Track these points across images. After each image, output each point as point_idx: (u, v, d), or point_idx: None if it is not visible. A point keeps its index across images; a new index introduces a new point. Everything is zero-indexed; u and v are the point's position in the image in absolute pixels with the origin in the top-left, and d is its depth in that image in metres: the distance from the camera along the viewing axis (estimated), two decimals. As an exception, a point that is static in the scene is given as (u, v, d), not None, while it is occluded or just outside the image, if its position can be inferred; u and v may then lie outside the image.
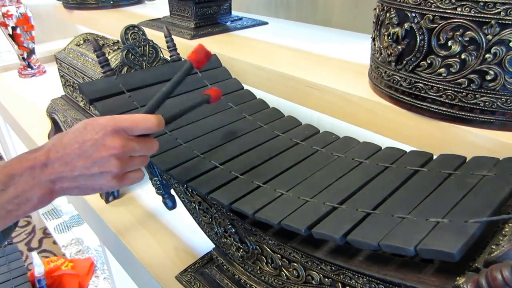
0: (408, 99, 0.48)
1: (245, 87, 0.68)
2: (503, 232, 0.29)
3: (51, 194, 0.38)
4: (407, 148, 0.46)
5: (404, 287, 0.31)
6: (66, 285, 1.40)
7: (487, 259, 0.27)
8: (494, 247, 0.27)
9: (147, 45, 0.64)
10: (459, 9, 0.40)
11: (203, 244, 0.65)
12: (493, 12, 0.38)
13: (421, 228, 0.29)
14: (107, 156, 0.37)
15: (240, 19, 1.02)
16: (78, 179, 0.38)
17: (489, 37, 0.39)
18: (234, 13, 1.04)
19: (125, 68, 0.63)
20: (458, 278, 0.27)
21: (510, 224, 0.29)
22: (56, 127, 0.92)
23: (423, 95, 0.46)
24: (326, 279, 0.38)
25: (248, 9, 1.22)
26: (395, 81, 0.49)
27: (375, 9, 0.54)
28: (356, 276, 0.34)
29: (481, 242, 0.30)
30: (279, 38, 0.88)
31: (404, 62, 0.47)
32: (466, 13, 0.39)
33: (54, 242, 1.69)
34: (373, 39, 0.55)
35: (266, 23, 1.03)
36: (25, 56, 1.37)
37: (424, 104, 0.47)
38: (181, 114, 0.45)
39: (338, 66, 0.70)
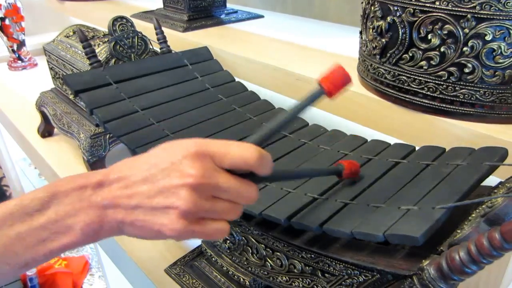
0: (392, 91, 0.49)
1: (237, 80, 0.68)
2: (470, 218, 0.30)
3: (99, 226, 0.28)
4: (394, 140, 0.47)
5: (376, 271, 0.32)
6: (59, 284, 1.36)
7: (450, 242, 0.28)
8: (458, 231, 0.29)
9: (136, 36, 0.64)
10: (437, 2, 0.40)
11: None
12: (469, 6, 0.39)
13: (392, 215, 0.30)
14: (179, 185, 0.27)
15: (235, 12, 1.02)
16: (135, 211, 0.28)
17: (466, 30, 0.40)
18: (231, 6, 1.04)
19: (113, 60, 0.63)
20: (423, 261, 0.28)
21: (476, 211, 0.30)
22: (46, 121, 0.92)
23: (406, 87, 0.47)
24: (307, 267, 0.39)
25: (245, 2, 1.22)
26: (380, 74, 0.50)
27: (362, 2, 0.55)
28: (334, 263, 0.36)
29: (451, 229, 0.31)
30: (274, 32, 0.88)
31: (388, 55, 0.48)
32: (444, 7, 0.40)
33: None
34: (361, 33, 0.56)
35: (261, 16, 1.03)
36: (15, 48, 1.36)
37: (407, 96, 0.47)
38: (291, 175, 0.37)
39: (329, 59, 0.70)
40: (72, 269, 1.41)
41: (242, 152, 0.28)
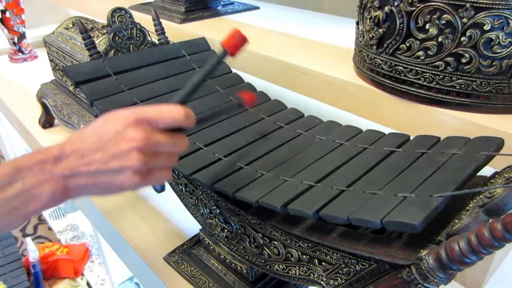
0: (388, 82, 0.49)
1: (234, 71, 0.68)
2: (467, 208, 0.30)
3: (65, 192, 0.34)
4: (390, 131, 0.47)
5: (373, 261, 0.32)
6: (61, 270, 1.41)
7: (449, 232, 0.28)
8: (456, 221, 0.29)
9: (135, 28, 0.64)
10: (435, -8, 0.40)
11: (191, 226, 0.66)
12: (468, -5, 0.39)
13: (389, 202, 0.30)
14: (128, 149, 0.33)
15: (232, 3, 1.02)
16: (95, 175, 0.33)
17: (464, 20, 0.40)
18: (226, -3, 1.03)
19: (112, 51, 0.63)
20: (421, 250, 0.28)
21: (474, 200, 0.30)
22: (47, 112, 0.93)
23: (403, 78, 0.47)
24: (304, 256, 0.39)
25: (240, -6, 1.21)
26: (376, 64, 0.50)
27: (359, -7, 0.55)
28: (331, 252, 0.36)
29: (448, 218, 0.31)
30: (269, 23, 0.88)
31: (385, 45, 0.47)
32: (443, -4, 0.40)
33: (49, 228, 1.71)
34: (357, 23, 0.56)
35: (257, 7, 1.03)
36: (16, 40, 1.36)
37: (404, 87, 0.48)
38: (213, 117, 0.42)
39: (325, 50, 0.70)
40: (73, 256, 1.44)
41: (172, 113, 0.34)
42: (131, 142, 0.33)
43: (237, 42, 0.39)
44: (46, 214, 1.73)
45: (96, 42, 0.71)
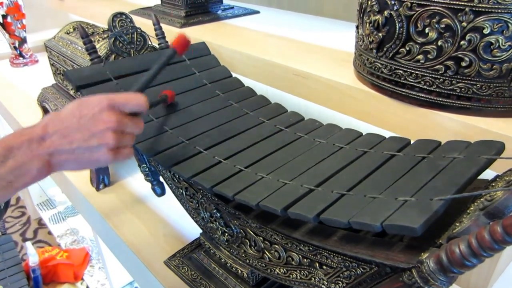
0: (388, 85, 0.49)
1: (234, 75, 0.69)
2: (468, 211, 0.30)
3: (49, 167, 0.39)
4: (390, 134, 0.47)
5: (374, 264, 0.32)
6: (60, 275, 1.41)
7: (450, 235, 0.28)
8: (457, 224, 0.29)
9: (135, 32, 0.65)
10: (435, -4, 0.40)
11: (192, 230, 0.66)
12: (467, -1, 0.39)
13: (389, 206, 0.30)
14: (105, 129, 0.38)
15: (232, 8, 1.02)
16: (75, 152, 0.39)
17: (464, 24, 0.40)
18: (226, 1, 1.04)
19: (113, 56, 0.63)
20: (422, 254, 0.28)
21: (475, 204, 0.30)
22: (47, 116, 0.93)
23: (403, 81, 0.47)
24: (305, 260, 0.39)
25: (240, -3, 1.22)
26: (376, 68, 0.50)
27: (359, -3, 0.55)
28: (332, 256, 0.36)
29: (449, 222, 0.31)
30: (270, 27, 0.89)
31: (385, 49, 0.48)
32: (442, 1, 0.40)
33: (49, 233, 1.71)
34: (357, 27, 0.56)
35: (257, 12, 1.03)
36: (17, 45, 1.37)
37: (404, 90, 0.48)
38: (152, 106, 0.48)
39: (325, 54, 0.71)
40: (73, 261, 1.44)
41: (137, 101, 0.41)
42: (106, 123, 0.39)
43: (183, 44, 0.50)
44: (46, 218, 1.73)
45: (97, 46, 0.71)
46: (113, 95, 0.40)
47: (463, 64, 0.42)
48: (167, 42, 0.68)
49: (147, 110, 0.43)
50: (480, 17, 0.39)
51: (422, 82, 0.45)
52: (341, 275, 0.36)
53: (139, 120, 0.43)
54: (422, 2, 0.42)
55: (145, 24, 0.89)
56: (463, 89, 0.43)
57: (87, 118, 0.38)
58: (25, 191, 1.74)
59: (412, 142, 0.44)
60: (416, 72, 0.45)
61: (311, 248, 0.38)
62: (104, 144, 0.39)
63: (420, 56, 0.44)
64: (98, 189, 0.78)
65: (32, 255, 1.32)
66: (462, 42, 0.41)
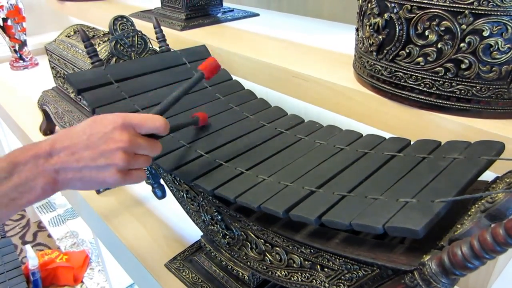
0: (388, 88, 0.50)
1: (234, 77, 0.69)
2: (469, 213, 0.30)
3: (54, 185, 0.37)
4: (389, 136, 0.47)
5: (376, 266, 0.32)
6: (60, 278, 1.41)
7: (451, 237, 0.28)
8: (459, 226, 0.29)
9: (136, 35, 0.65)
10: (435, -1, 0.41)
11: (192, 232, 0.66)
12: (467, 2, 0.39)
13: (390, 208, 0.30)
14: (115, 148, 0.36)
15: (232, 10, 1.03)
16: (83, 170, 0.37)
17: (464, 26, 0.40)
18: (226, 4, 1.04)
19: (114, 59, 0.64)
20: (424, 256, 0.28)
21: (476, 205, 0.30)
22: (48, 119, 0.93)
23: (403, 84, 0.47)
24: (306, 262, 0.39)
25: (240, 1, 1.22)
26: (376, 70, 0.51)
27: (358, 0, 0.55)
28: (333, 258, 0.36)
29: (451, 223, 0.31)
30: (269, 30, 0.89)
31: (385, 51, 0.48)
32: (442, 3, 0.40)
33: (49, 236, 1.70)
34: (357, 30, 0.56)
35: (257, 14, 1.03)
36: (17, 48, 1.37)
37: (404, 92, 0.48)
38: (178, 128, 0.48)
39: (325, 56, 0.71)
40: (72, 264, 1.44)
41: (154, 123, 0.39)
42: (117, 143, 0.37)
43: (212, 68, 0.47)
44: (45, 221, 1.73)
45: (98, 49, 0.71)
46: (130, 114, 0.38)
47: (463, 66, 0.42)
48: (168, 45, 0.69)
49: (166, 132, 0.40)
50: (480, 20, 0.39)
51: (422, 84, 0.46)
52: (342, 277, 0.36)
53: (155, 142, 0.40)
54: (422, 5, 0.42)
55: (145, 27, 0.89)
56: (462, 91, 0.43)
57: (97, 136, 0.37)
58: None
59: (412, 142, 0.44)
60: (416, 74, 0.46)
61: (312, 251, 0.38)
62: (113, 165, 0.37)
63: (420, 59, 0.44)
64: (98, 192, 0.78)
65: (32, 258, 1.32)
66: (461, 45, 0.41)
